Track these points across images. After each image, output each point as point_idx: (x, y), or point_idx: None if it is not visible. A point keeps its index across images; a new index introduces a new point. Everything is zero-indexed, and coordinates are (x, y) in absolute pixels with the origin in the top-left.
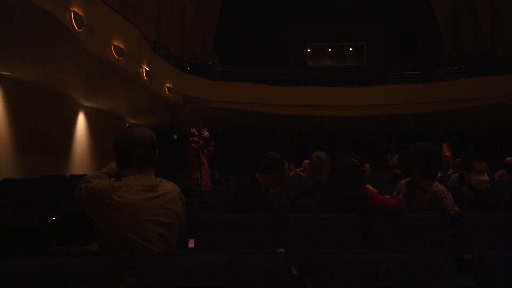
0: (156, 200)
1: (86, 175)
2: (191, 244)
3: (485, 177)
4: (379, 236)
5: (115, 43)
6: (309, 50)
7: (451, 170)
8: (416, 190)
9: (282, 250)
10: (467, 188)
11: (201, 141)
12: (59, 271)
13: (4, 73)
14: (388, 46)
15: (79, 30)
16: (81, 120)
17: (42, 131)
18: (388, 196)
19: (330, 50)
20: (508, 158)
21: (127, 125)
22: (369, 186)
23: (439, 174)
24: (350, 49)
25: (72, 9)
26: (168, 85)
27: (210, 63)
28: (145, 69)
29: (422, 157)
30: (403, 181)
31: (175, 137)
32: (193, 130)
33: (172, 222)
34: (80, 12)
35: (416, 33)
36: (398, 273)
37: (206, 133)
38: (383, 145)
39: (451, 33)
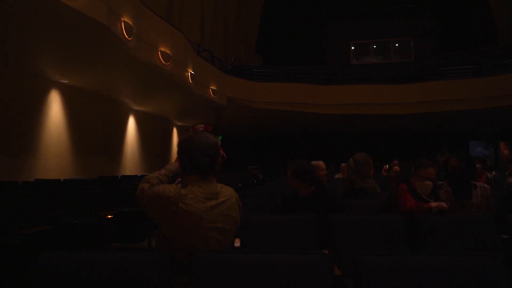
0: (218, 208)
1: (137, 175)
2: (237, 243)
3: None
4: (426, 238)
5: (162, 49)
6: (353, 48)
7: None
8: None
9: (326, 251)
10: None
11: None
12: (117, 264)
13: (63, 81)
14: (437, 40)
15: (129, 39)
16: (131, 123)
17: (97, 135)
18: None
19: (375, 46)
20: None
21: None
22: (403, 186)
23: (493, 173)
24: (396, 45)
25: (122, 19)
26: (212, 87)
27: (253, 64)
28: (190, 72)
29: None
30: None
31: (220, 138)
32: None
33: (229, 228)
34: (129, 22)
35: (468, 25)
36: (447, 278)
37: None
38: (434, 144)
39: (509, 22)
